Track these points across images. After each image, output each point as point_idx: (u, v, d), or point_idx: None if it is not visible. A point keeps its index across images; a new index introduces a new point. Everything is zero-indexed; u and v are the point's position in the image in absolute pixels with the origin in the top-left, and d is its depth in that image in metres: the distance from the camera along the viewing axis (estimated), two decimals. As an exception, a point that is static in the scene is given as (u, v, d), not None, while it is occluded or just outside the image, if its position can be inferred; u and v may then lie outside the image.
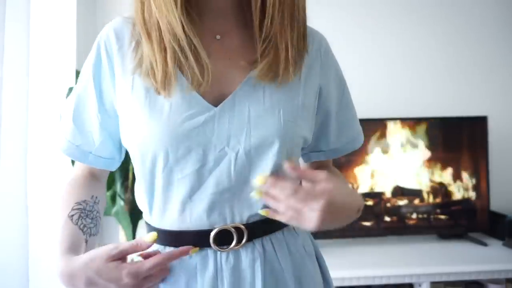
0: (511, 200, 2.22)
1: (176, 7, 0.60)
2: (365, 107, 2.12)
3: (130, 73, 0.65)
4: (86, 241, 0.66)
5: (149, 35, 0.63)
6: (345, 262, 1.78)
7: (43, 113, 1.68)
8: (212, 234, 0.64)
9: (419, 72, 2.22)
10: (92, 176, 0.76)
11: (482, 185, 2.03)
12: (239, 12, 0.68)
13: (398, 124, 2.01)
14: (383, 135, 2.00)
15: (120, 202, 1.64)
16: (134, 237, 1.63)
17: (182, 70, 0.63)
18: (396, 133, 2.01)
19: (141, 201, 0.70)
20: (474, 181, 2.03)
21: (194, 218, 0.64)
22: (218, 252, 0.64)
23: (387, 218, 2.01)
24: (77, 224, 0.66)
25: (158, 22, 0.62)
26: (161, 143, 0.62)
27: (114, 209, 1.63)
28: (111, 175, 1.65)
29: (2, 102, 1.57)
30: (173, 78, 0.62)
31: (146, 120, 0.63)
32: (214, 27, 0.67)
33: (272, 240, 0.67)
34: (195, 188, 0.64)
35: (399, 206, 2.01)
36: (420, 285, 1.78)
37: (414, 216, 2.02)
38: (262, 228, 0.66)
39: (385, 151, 2.00)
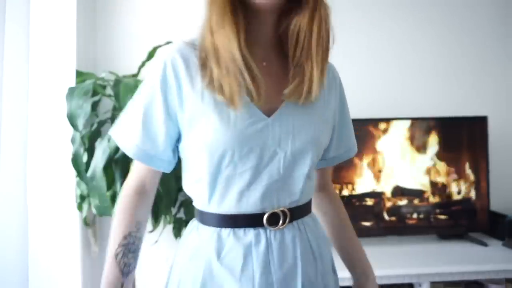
0: (511, 200, 2.23)
1: (237, 43, 0.78)
2: (365, 107, 2.13)
3: (200, 88, 0.80)
4: (122, 284, 0.87)
5: (218, 62, 0.79)
6: (345, 262, 1.78)
7: (43, 113, 1.68)
8: (266, 216, 0.80)
9: (419, 72, 2.22)
10: (141, 191, 0.88)
11: (482, 185, 2.03)
12: (279, 45, 0.87)
13: (398, 124, 2.01)
14: (383, 135, 2.00)
15: (120, 202, 1.64)
16: (134, 237, 1.63)
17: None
18: (396, 133, 2.01)
19: (200, 193, 0.84)
20: (474, 181, 2.03)
21: (250, 204, 0.80)
22: (268, 230, 0.81)
23: (387, 218, 2.01)
24: (119, 264, 0.86)
25: (224, 52, 0.79)
26: (229, 143, 0.77)
27: (114, 209, 1.62)
28: (111, 175, 1.65)
29: (2, 102, 1.57)
30: (237, 95, 0.77)
31: (216, 125, 0.78)
32: (262, 56, 0.85)
33: (304, 222, 0.86)
34: (252, 180, 0.80)
35: (399, 206, 2.02)
36: (420, 285, 1.78)
37: (414, 216, 2.02)
38: (298, 212, 0.85)
39: (385, 151, 2.00)
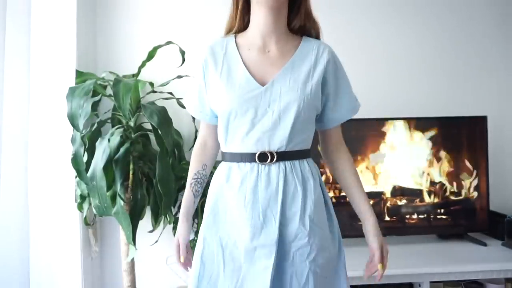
0: (511, 200, 2.23)
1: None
2: (365, 107, 2.12)
3: (220, 69, 1.18)
4: (194, 202, 1.26)
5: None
6: (345, 262, 1.78)
7: (43, 113, 1.68)
8: (257, 155, 1.11)
9: (419, 73, 2.22)
10: (205, 145, 1.28)
11: (481, 185, 2.03)
12: (278, 35, 1.20)
13: (398, 124, 2.01)
14: (383, 135, 2.00)
15: (120, 202, 1.64)
16: (134, 238, 1.64)
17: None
18: (396, 133, 2.01)
19: (221, 138, 1.18)
20: (473, 181, 2.03)
21: (248, 146, 1.12)
22: (259, 165, 1.12)
23: (387, 218, 2.01)
24: (192, 189, 1.25)
25: None
26: (233, 104, 1.12)
27: (114, 209, 1.63)
28: (111, 175, 1.65)
29: (3, 102, 1.57)
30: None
31: (226, 93, 1.14)
32: (267, 45, 1.18)
33: (291, 164, 1.13)
34: (250, 129, 1.12)
35: (399, 206, 2.02)
36: (420, 285, 1.78)
37: (414, 216, 2.02)
38: (284, 155, 1.12)
39: (385, 151, 2.00)
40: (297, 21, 1.19)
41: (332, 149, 1.26)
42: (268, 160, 1.11)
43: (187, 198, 1.26)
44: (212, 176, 1.24)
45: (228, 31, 1.25)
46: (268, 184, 1.11)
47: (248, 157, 1.13)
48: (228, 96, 1.14)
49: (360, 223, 1.24)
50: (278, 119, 1.11)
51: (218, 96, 1.16)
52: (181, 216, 1.26)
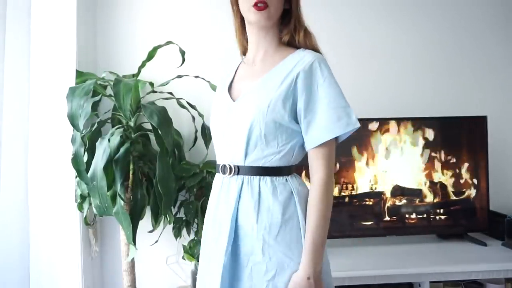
0: (511, 200, 2.23)
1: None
2: (365, 107, 2.13)
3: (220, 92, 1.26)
4: None
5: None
6: (345, 262, 1.79)
7: (44, 113, 1.68)
8: (219, 166, 1.17)
9: (419, 72, 2.22)
10: None
11: (481, 185, 2.03)
12: (269, 47, 1.21)
13: (398, 124, 2.01)
14: (383, 135, 2.00)
15: (120, 202, 1.65)
16: (134, 238, 1.64)
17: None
18: (396, 133, 2.01)
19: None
20: (473, 181, 2.03)
21: (218, 157, 1.19)
22: (223, 177, 1.16)
23: (387, 218, 2.01)
24: None
25: None
26: (212, 121, 1.21)
27: (114, 209, 1.63)
28: (111, 175, 1.65)
29: (3, 102, 1.57)
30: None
31: (212, 110, 1.24)
32: (254, 60, 1.20)
33: (249, 179, 1.12)
34: (220, 143, 1.18)
35: (399, 206, 2.02)
36: (419, 285, 1.78)
37: (413, 216, 2.02)
38: (244, 170, 1.12)
39: (385, 151, 2.00)
40: (287, 35, 1.17)
41: (311, 174, 1.12)
42: (228, 173, 1.14)
43: None
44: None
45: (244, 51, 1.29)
46: (227, 196, 1.14)
47: (218, 168, 1.19)
48: (212, 115, 1.23)
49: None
50: (237, 133, 1.12)
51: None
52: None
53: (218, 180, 1.19)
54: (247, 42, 1.24)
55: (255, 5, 1.10)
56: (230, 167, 1.14)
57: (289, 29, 1.17)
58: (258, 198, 1.10)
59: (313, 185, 1.09)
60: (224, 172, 1.15)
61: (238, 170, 1.13)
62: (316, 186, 1.08)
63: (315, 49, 1.17)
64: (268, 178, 1.11)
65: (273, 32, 1.18)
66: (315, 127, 1.08)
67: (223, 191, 1.15)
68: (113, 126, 1.82)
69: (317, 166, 1.09)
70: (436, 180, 2.03)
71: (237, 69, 1.26)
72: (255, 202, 1.10)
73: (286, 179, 1.13)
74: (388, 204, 2.01)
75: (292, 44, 1.18)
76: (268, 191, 1.10)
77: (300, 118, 1.10)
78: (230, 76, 1.24)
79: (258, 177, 1.11)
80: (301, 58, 1.12)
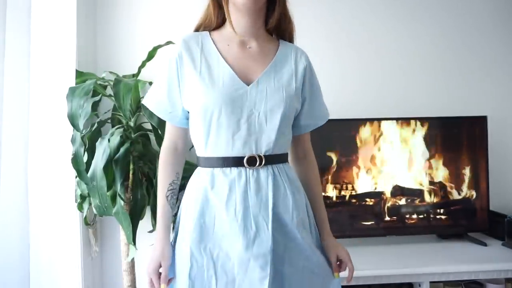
0: (511, 200, 2.23)
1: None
2: (365, 107, 2.13)
3: (199, 66, 1.10)
4: (172, 217, 1.16)
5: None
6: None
7: (43, 113, 1.68)
8: (245, 158, 1.07)
9: (420, 72, 2.22)
10: (174, 149, 1.18)
11: (482, 185, 2.03)
12: (259, 33, 1.18)
13: (398, 124, 2.01)
14: (383, 135, 2.00)
15: (120, 202, 1.65)
16: (134, 238, 1.64)
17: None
18: (396, 133, 2.01)
19: (199, 141, 1.11)
20: (473, 181, 2.03)
21: (234, 150, 1.07)
22: (248, 169, 1.07)
23: (387, 218, 2.01)
24: (169, 203, 1.15)
25: None
26: (218, 103, 1.06)
27: (114, 209, 1.63)
28: (111, 175, 1.65)
29: (3, 102, 1.57)
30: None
31: (209, 90, 1.06)
32: (248, 42, 1.16)
33: (278, 167, 1.11)
34: (236, 131, 1.06)
35: (399, 206, 2.02)
36: (419, 285, 1.78)
37: (414, 216, 2.02)
38: (272, 158, 1.09)
39: (385, 151, 2.00)
40: (274, 21, 1.16)
41: (301, 155, 1.25)
42: (257, 164, 1.07)
43: (166, 213, 1.14)
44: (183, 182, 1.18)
45: (203, 27, 1.19)
46: (258, 189, 1.06)
47: (235, 162, 1.07)
48: (211, 95, 1.06)
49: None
50: (264, 121, 1.07)
51: (197, 94, 1.08)
52: (162, 234, 1.13)
53: (232, 176, 1.06)
54: (217, 19, 1.16)
55: None
56: (260, 157, 1.07)
57: (277, 15, 1.15)
58: (291, 184, 1.11)
59: (313, 163, 1.25)
60: (250, 164, 1.06)
61: (267, 160, 1.08)
62: (315, 164, 1.26)
63: (292, 38, 1.23)
64: (287, 164, 1.16)
65: (261, 17, 1.15)
66: (314, 114, 1.22)
67: (251, 187, 1.06)
68: (113, 126, 1.82)
69: (309, 147, 1.26)
70: (436, 180, 2.03)
71: (216, 46, 1.13)
72: (290, 189, 1.10)
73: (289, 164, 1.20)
74: (388, 204, 2.01)
75: (274, 31, 1.20)
76: (295, 177, 1.15)
77: (300, 106, 1.18)
78: (214, 55, 1.12)
79: (282, 164, 1.12)
80: (295, 51, 1.19)
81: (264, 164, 1.07)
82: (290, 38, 1.23)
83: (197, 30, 1.19)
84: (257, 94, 1.08)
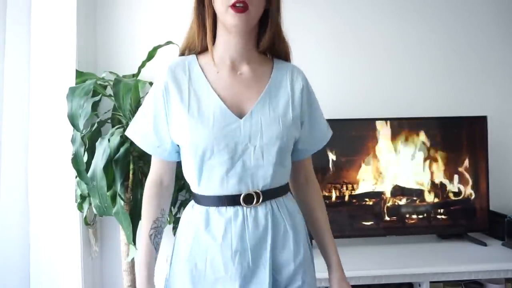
0: (511, 200, 2.23)
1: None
2: (365, 107, 2.13)
3: (186, 100, 1.02)
4: (155, 258, 1.09)
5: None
6: (345, 262, 1.77)
7: (44, 113, 1.68)
8: (242, 196, 0.99)
9: (419, 72, 2.22)
10: (160, 183, 1.10)
11: (481, 185, 2.03)
12: (250, 58, 1.08)
13: (398, 124, 2.01)
14: (383, 135, 2.00)
15: (121, 202, 1.65)
16: (134, 238, 1.64)
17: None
18: (396, 133, 2.01)
19: (191, 178, 1.04)
20: (473, 181, 2.03)
21: (229, 187, 1.00)
22: (245, 208, 1.00)
23: (387, 218, 2.01)
24: (153, 242, 1.08)
25: None
26: (209, 141, 0.98)
27: (114, 209, 1.63)
28: (111, 175, 1.65)
29: (3, 102, 1.57)
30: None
31: (198, 127, 0.98)
32: (238, 67, 1.06)
33: (276, 202, 1.04)
34: (230, 168, 0.99)
35: (399, 206, 2.02)
36: (419, 285, 1.78)
37: (414, 216, 2.02)
38: (270, 194, 1.02)
39: (385, 151, 2.00)
40: (266, 42, 1.06)
41: (302, 181, 1.17)
42: (254, 202, 0.99)
43: (149, 253, 1.06)
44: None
45: (188, 50, 1.09)
46: (255, 228, 0.99)
47: (230, 200, 0.99)
48: (202, 132, 0.97)
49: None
50: (261, 156, 0.99)
51: (186, 131, 0.99)
52: (144, 279, 1.07)
53: (228, 215, 0.99)
54: (202, 42, 1.06)
55: (233, 5, 0.95)
56: (257, 194, 1.00)
57: (270, 35, 1.05)
58: (291, 219, 1.04)
59: (316, 188, 1.18)
60: (247, 203, 0.99)
61: (265, 196, 1.00)
62: (318, 189, 1.18)
63: (289, 57, 1.13)
64: (289, 195, 1.09)
65: (253, 38, 1.05)
66: (314, 138, 1.14)
67: (248, 226, 0.99)
68: (113, 126, 1.82)
69: (311, 171, 1.19)
70: (436, 180, 2.03)
71: (204, 73, 1.04)
72: (290, 224, 1.03)
73: (290, 193, 1.12)
74: (388, 204, 2.01)
75: (268, 51, 1.10)
76: (294, 208, 1.08)
77: (303, 128, 1.10)
78: (203, 85, 1.02)
79: (282, 198, 1.05)
80: (291, 72, 1.09)
81: (262, 201, 1.00)
82: (286, 58, 1.13)
83: (182, 54, 1.10)
84: (251, 126, 1.00)
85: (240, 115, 1.00)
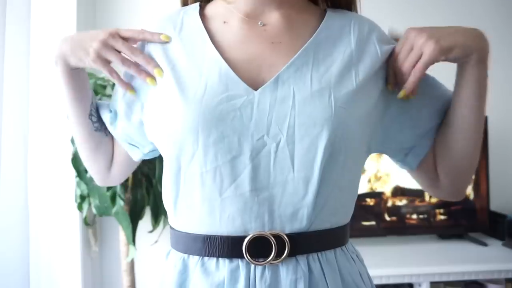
0: (511, 200, 2.23)
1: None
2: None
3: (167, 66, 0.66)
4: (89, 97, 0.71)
5: None
6: (345, 262, 1.78)
7: (43, 112, 1.68)
8: (246, 241, 0.53)
9: (419, 72, 2.22)
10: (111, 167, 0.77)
11: (482, 185, 2.03)
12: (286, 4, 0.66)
13: (398, 124, 2.01)
14: (383, 135, 2.00)
15: (120, 202, 1.64)
16: (134, 238, 1.63)
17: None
18: (396, 133, 2.01)
19: (167, 200, 0.62)
20: (474, 181, 2.03)
21: (224, 220, 0.54)
22: (252, 266, 0.53)
23: (387, 218, 2.01)
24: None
25: None
26: (191, 126, 0.54)
27: (114, 209, 1.63)
28: (111, 175, 1.65)
29: (2, 101, 1.57)
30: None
31: (176, 103, 0.57)
32: (261, 14, 0.65)
33: (320, 259, 0.56)
34: (227, 184, 0.54)
35: (399, 206, 2.02)
36: (419, 285, 1.78)
37: (414, 216, 2.02)
38: (309, 241, 0.55)
39: (385, 151, 2.00)
40: None
41: (433, 177, 0.72)
42: (272, 255, 0.54)
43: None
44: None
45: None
46: None
47: (225, 247, 0.55)
48: (180, 111, 0.57)
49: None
50: (290, 161, 0.55)
51: (156, 114, 0.62)
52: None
53: (218, 277, 0.56)
54: None
55: None
56: (280, 240, 0.54)
57: None
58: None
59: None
60: (259, 255, 0.54)
61: (299, 246, 0.55)
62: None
63: (352, 6, 0.74)
64: (344, 249, 0.63)
65: None
66: (431, 111, 0.72)
67: None
68: (113, 126, 1.82)
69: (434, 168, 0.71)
70: (436, 180, 2.02)
71: (204, 25, 0.65)
72: None
73: (352, 246, 0.68)
74: (388, 204, 2.01)
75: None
76: (356, 276, 0.64)
77: (390, 118, 0.67)
78: (198, 39, 0.63)
79: (332, 251, 0.59)
80: (358, 22, 0.68)
81: (290, 255, 0.54)
82: (348, 7, 0.72)
83: (185, 3, 0.73)
84: (275, 105, 0.56)
85: (256, 86, 0.58)
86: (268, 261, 0.53)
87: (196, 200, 0.56)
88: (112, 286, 2.08)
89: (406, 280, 1.75)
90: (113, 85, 1.59)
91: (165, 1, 2.13)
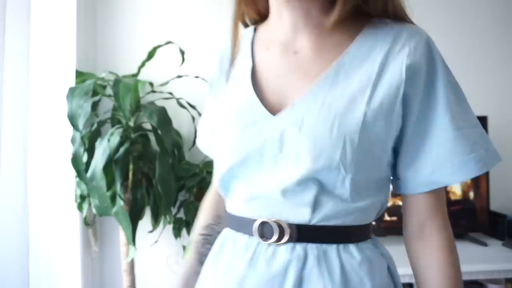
0: (511, 200, 2.23)
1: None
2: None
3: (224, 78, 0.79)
4: (197, 272, 0.79)
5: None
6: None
7: (43, 113, 1.68)
8: (255, 224, 0.66)
9: (419, 72, 2.22)
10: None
11: (482, 185, 2.03)
12: (317, 23, 0.70)
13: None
14: (383, 135, 2.00)
15: (120, 202, 1.64)
16: (134, 238, 1.63)
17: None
18: (396, 133, 2.01)
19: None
20: (474, 181, 2.03)
21: (249, 208, 0.68)
22: (261, 242, 0.66)
23: (387, 218, 2.01)
24: (197, 251, 0.83)
25: None
26: (224, 151, 0.70)
27: (114, 209, 1.63)
28: (111, 175, 1.65)
29: (2, 102, 1.57)
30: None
31: (219, 128, 0.73)
32: (294, 42, 0.70)
33: (319, 248, 0.64)
34: (252, 185, 0.68)
35: (399, 206, 2.01)
36: (420, 285, 1.78)
37: (414, 216, 2.02)
38: (309, 233, 0.64)
39: (385, 151, 2.00)
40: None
41: (414, 231, 0.80)
42: (274, 238, 0.63)
43: (188, 263, 0.83)
44: None
45: (241, 20, 0.78)
46: (267, 271, 0.63)
47: (246, 226, 0.68)
48: (220, 137, 0.72)
49: None
50: (298, 168, 0.63)
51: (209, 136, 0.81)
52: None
53: (238, 247, 0.69)
54: (255, 10, 0.76)
55: None
56: (281, 228, 0.63)
57: None
58: (342, 284, 0.63)
59: (437, 246, 0.76)
60: (262, 235, 0.65)
61: (302, 234, 0.63)
62: (444, 247, 0.76)
63: (404, 18, 0.70)
64: (352, 247, 0.67)
65: (319, 4, 0.67)
66: (436, 159, 0.68)
67: (255, 271, 0.64)
68: (112, 126, 1.82)
69: (433, 215, 0.76)
70: (436, 180, 2.02)
71: (252, 52, 0.73)
72: None
73: (376, 245, 0.75)
74: (388, 204, 2.01)
75: (361, 10, 0.68)
76: (362, 272, 0.66)
77: (400, 141, 0.67)
78: (245, 63, 0.73)
79: (334, 245, 0.64)
80: (395, 34, 0.66)
81: (296, 241, 0.63)
82: (396, 15, 0.68)
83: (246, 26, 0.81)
84: (288, 127, 0.62)
85: (275, 111, 0.65)
86: (271, 242, 0.64)
87: (234, 197, 0.72)
88: (112, 286, 2.08)
89: (406, 280, 1.75)
90: (113, 85, 1.59)
91: (165, 1, 2.14)
